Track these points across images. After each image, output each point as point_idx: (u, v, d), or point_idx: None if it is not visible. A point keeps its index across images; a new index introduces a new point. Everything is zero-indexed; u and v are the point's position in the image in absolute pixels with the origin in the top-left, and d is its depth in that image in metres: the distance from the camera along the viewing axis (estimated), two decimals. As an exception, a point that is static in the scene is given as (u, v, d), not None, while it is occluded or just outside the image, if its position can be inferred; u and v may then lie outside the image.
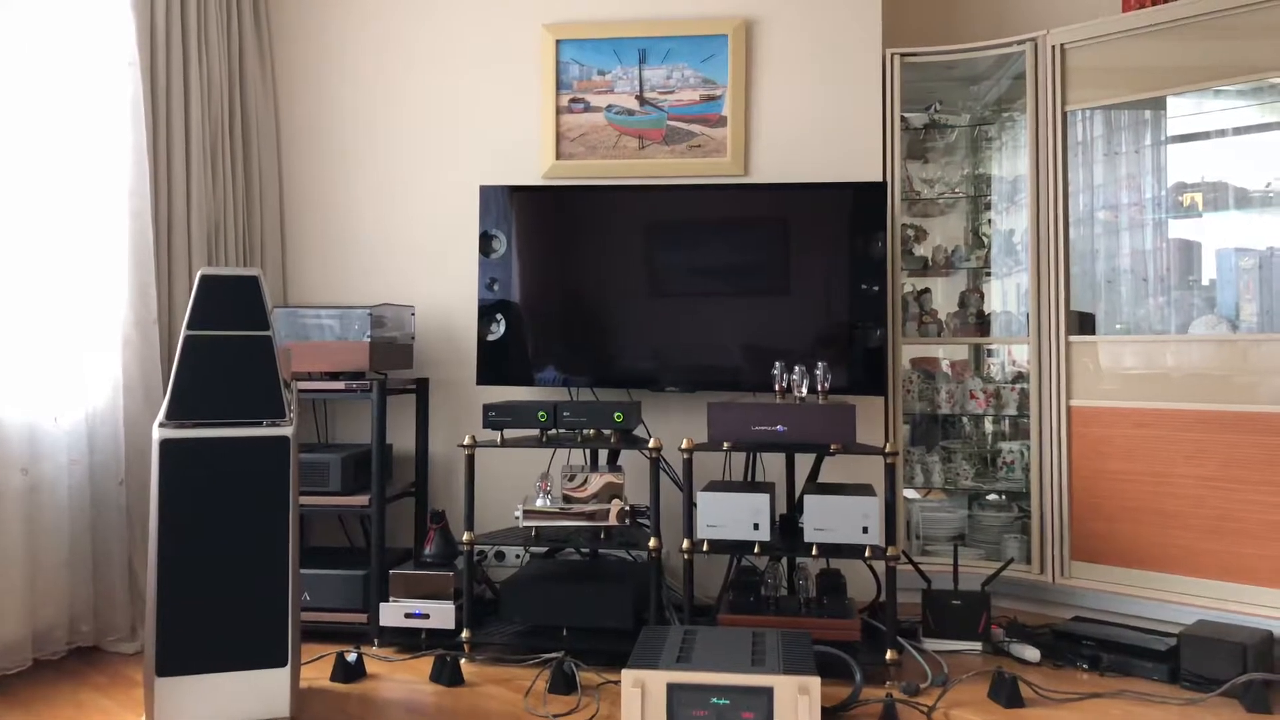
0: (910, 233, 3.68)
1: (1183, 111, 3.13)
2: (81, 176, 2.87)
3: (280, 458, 2.34)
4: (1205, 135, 3.09)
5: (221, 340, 2.35)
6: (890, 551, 2.65)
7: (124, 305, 2.91)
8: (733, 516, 2.73)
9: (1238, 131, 3.03)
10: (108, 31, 2.91)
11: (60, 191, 2.81)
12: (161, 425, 2.29)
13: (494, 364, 3.34)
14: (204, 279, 2.35)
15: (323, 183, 3.68)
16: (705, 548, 2.74)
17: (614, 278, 3.29)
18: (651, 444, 2.79)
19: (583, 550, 3.28)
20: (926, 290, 3.65)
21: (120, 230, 2.91)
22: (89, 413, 2.87)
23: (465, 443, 2.87)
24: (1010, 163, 3.64)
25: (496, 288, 3.34)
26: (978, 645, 2.89)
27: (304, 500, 3.01)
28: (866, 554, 2.66)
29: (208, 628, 2.27)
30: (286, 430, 2.35)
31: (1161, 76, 3.07)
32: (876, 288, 3.16)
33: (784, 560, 2.99)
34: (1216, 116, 3.06)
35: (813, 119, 3.46)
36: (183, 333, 2.33)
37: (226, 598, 2.28)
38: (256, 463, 2.32)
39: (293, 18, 3.71)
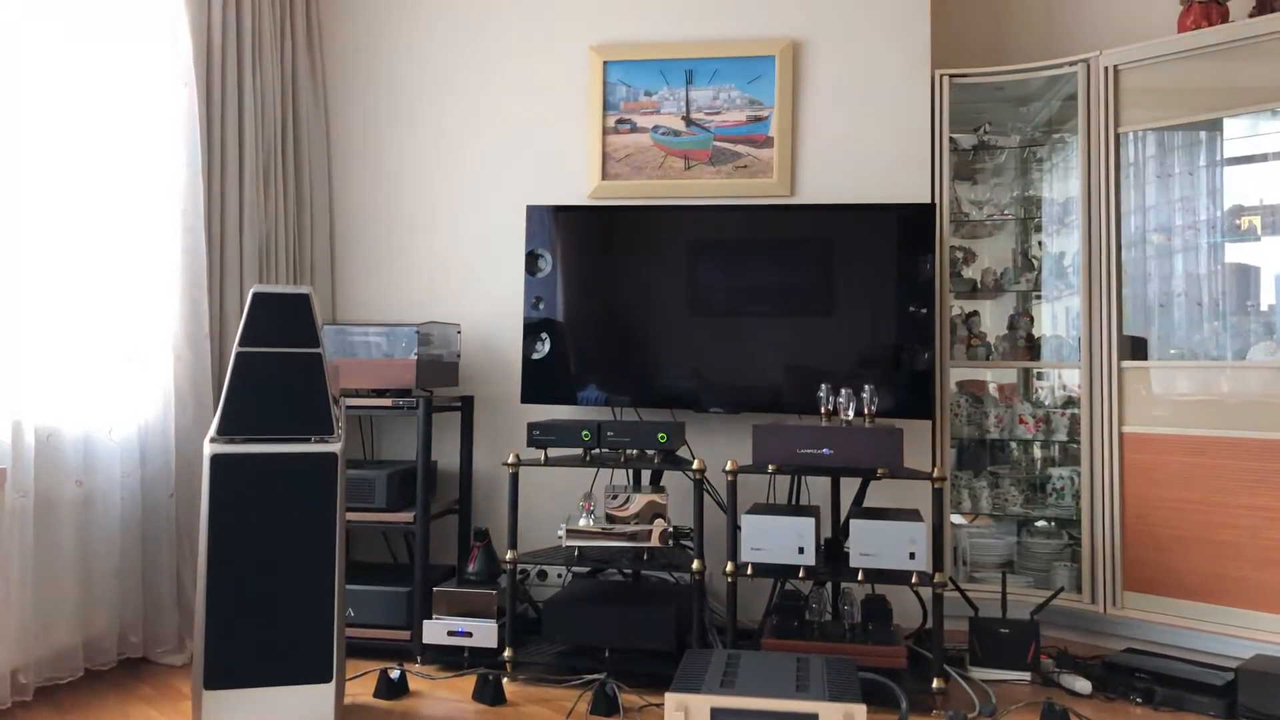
0: (959, 255, 3.64)
1: (1240, 133, 3.07)
2: (137, 194, 2.93)
3: (328, 474, 2.36)
4: (1263, 157, 3.03)
5: (272, 357, 2.38)
6: (937, 578, 2.61)
7: (176, 320, 2.96)
8: (777, 540, 2.70)
9: (1297, 154, 2.97)
10: (165, 54, 2.97)
11: (116, 208, 2.88)
12: (212, 440, 2.32)
13: (538, 382, 3.35)
14: (256, 296, 2.39)
15: (371, 201, 3.73)
16: (749, 571, 2.71)
17: (659, 298, 3.29)
18: (695, 465, 2.78)
19: (625, 571, 3.27)
20: (975, 313, 3.61)
21: (174, 247, 2.97)
22: (141, 426, 2.91)
23: (509, 461, 2.88)
24: (1061, 184, 3.59)
25: (542, 306, 3.36)
26: (1026, 675, 2.83)
27: (349, 516, 3.03)
28: (913, 580, 2.62)
29: (255, 642, 2.29)
30: (335, 447, 2.37)
31: (1218, 97, 3.02)
32: (924, 310, 3.13)
33: (829, 585, 2.96)
34: (1275, 138, 3.00)
35: (860, 140, 3.44)
36: (234, 349, 2.36)
37: (273, 612, 2.30)
38: (305, 478, 2.35)
39: (344, 39, 3.77)
